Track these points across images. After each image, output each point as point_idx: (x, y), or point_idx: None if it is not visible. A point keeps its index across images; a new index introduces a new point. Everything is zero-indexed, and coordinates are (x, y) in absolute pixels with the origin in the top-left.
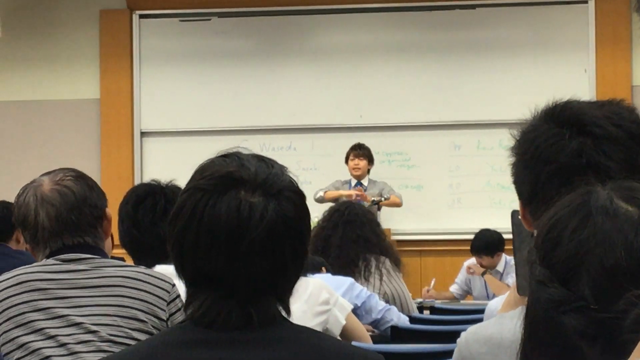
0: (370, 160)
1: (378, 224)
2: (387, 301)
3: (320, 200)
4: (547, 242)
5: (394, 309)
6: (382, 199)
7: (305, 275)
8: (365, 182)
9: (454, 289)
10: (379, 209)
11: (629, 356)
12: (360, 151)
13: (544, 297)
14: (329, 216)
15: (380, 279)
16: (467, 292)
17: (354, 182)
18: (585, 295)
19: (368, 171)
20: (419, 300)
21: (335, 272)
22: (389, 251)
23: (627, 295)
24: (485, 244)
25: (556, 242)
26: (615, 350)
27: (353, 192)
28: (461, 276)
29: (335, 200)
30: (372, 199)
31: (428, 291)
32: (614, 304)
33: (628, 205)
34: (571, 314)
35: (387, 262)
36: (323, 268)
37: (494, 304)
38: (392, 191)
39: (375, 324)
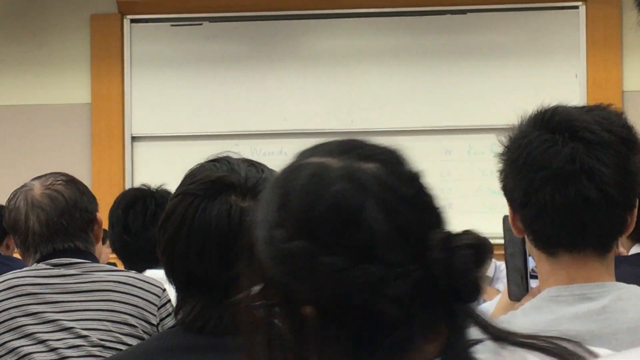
0: None
1: None
2: None
3: None
4: (338, 224)
5: None
6: None
7: None
8: None
9: None
10: None
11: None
12: None
13: (362, 280)
14: None
15: None
16: None
17: None
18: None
19: None
20: None
21: None
22: None
23: (435, 240)
24: None
25: (349, 222)
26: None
27: None
28: None
29: None
30: None
31: None
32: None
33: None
34: (394, 283)
35: None
36: None
37: (484, 309)
38: None
39: None
